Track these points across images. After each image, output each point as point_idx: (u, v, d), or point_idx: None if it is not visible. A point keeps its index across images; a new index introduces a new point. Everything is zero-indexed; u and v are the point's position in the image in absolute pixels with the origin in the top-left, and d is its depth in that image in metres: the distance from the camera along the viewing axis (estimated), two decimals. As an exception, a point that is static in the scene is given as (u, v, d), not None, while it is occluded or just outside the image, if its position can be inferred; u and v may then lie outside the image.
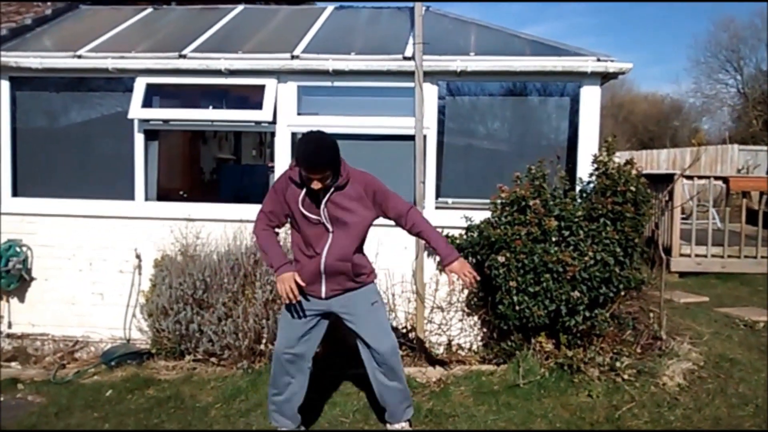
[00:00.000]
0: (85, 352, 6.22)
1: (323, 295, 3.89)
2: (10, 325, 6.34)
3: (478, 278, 3.92)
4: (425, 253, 5.79)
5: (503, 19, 59.71)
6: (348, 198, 3.79)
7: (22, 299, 6.35)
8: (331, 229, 3.79)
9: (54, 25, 7.15)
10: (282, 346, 3.98)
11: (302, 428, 4.19)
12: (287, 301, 3.77)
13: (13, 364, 6.01)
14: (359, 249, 3.96)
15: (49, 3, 7.41)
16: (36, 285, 6.33)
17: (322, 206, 3.75)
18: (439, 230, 5.62)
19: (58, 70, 6.19)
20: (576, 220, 5.02)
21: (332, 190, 3.73)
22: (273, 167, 6.30)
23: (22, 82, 6.34)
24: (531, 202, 5.04)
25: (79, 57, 6.18)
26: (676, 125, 36.90)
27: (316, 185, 3.64)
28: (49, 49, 6.42)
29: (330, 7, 7.36)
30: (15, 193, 6.37)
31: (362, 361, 4.07)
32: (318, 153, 3.58)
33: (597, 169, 5.31)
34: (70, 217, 6.23)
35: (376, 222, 5.54)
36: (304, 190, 3.75)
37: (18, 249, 6.18)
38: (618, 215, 5.03)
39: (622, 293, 5.18)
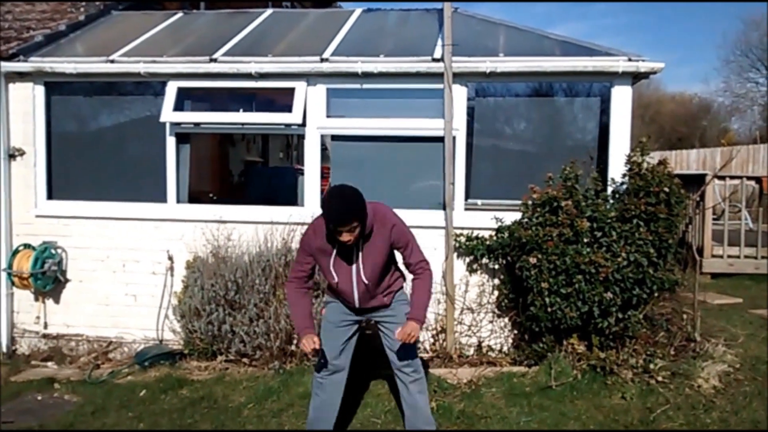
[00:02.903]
0: (119, 353, 6.30)
1: (357, 314, 4.04)
2: (46, 326, 6.44)
3: (414, 341, 3.84)
4: (455, 254, 5.78)
5: (528, 19, 59.35)
6: (375, 248, 3.79)
7: (57, 300, 6.45)
8: (363, 279, 3.82)
9: (87, 31, 7.26)
10: (326, 354, 4.01)
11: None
12: (309, 352, 3.78)
13: (49, 364, 6.12)
14: (391, 269, 4.02)
15: (82, 9, 7.51)
16: (71, 286, 6.42)
17: (354, 266, 3.80)
18: (469, 231, 5.67)
19: (92, 75, 6.29)
20: (609, 221, 4.99)
21: (360, 243, 3.75)
22: (302, 170, 6.34)
23: (57, 87, 6.45)
24: (563, 203, 5.01)
25: (112, 62, 6.27)
26: (705, 125, 36.38)
27: (345, 237, 3.61)
28: (82, 55, 6.52)
29: (358, 10, 7.38)
30: (50, 196, 6.48)
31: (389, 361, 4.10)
32: (345, 208, 3.55)
33: (630, 169, 5.27)
34: (103, 220, 6.32)
35: (406, 223, 5.58)
36: (335, 252, 3.77)
37: (53, 251, 6.28)
38: (651, 216, 4.98)
39: (656, 294, 5.12)
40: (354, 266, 3.80)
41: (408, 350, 3.95)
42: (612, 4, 55.10)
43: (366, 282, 3.81)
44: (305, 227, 5.58)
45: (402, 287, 4.12)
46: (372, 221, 3.73)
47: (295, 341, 5.34)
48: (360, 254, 3.77)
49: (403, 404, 4.10)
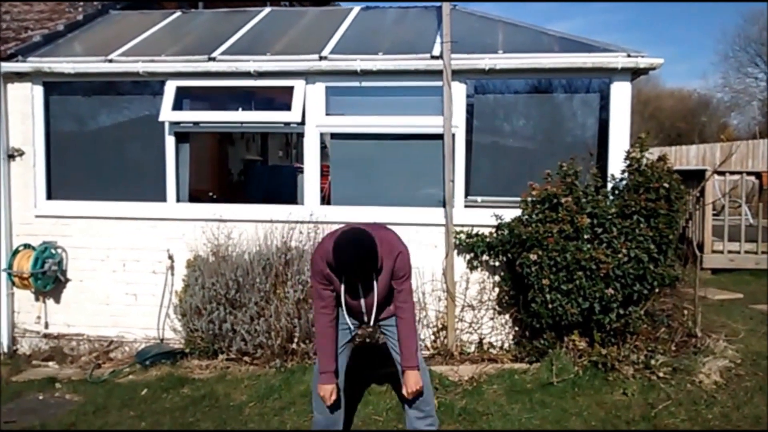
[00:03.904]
0: (120, 352, 6.30)
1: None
2: (46, 326, 6.44)
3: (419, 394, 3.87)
4: (455, 252, 5.78)
5: (526, 16, 59.20)
6: (382, 278, 3.74)
7: (57, 300, 6.45)
8: (372, 305, 3.81)
9: (85, 31, 7.25)
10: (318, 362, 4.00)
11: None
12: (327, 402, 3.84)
13: (50, 363, 6.13)
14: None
15: (80, 9, 7.50)
16: (71, 286, 6.42)
17: (362, 300, 3.80)
18: (469, 228, 5.67)
19: (90, 74, 6.28)
20: (609, 217, 4.99)
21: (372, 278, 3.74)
22: (301, 168, 6.34)
23: (55, 87, 6.45)
24: (563, 200, 5.01)
25: (111, 61, 6.27)
26: (704, 121, 36.36)
27: (355, 280, 3.67)
28: (81, 55, 6.52)
29: (356, 8, 7.37)
30: (49, 196, 6.47)
31: (392, 360, 4.09)
32: (358, 265, 3.49)
33: (630, 165, 5.26)
34: (103, 219, 6.32)
35: (407, 221, 5.61)
36: (343, 286, 3.74)
37: (53, 251, 6.28)
38: (651, 212, 4.98)
39: (657, 290, 5.13)
40: (362, 299, 3.80)
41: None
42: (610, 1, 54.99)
43: (375, 305, 3.80)
44: (305, 226, 5.60)
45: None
46: (382, 257, 3.63)
47: (296, 339, 5.34)
48: (370, 287, 3.75)
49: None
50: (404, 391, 3.84)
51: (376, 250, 3.51)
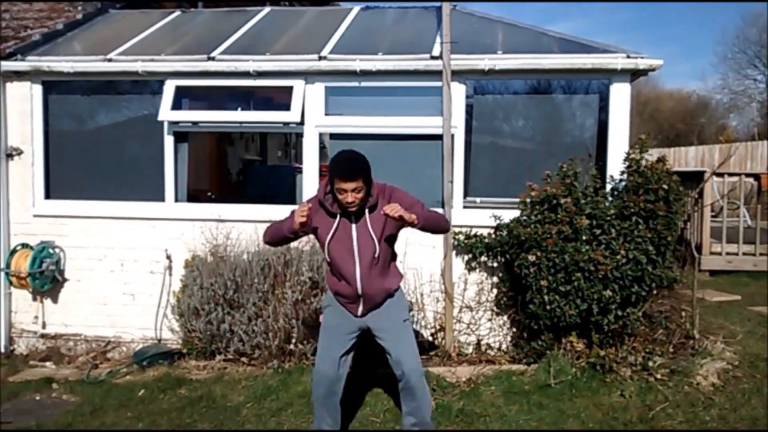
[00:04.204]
0: (117, 353, 6.29)
1: (359, 313, 3.90)
2: (44, 326, 6.43)
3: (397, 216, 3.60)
4: (453, 253, 5.78)
5: (526, 16, 59.28)
6: (378, 218, 3.73)
7: (55, 300, 6.44)
8: (361, 258, 3.76)
9: (84, 30, 7.24)
10: (325, 366, 3.95)
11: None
12: (301, 216, 3.60)
13: (47, 363, 6.11)
14: (392, 259, 3.98)
15: (80, 8, 7.49)
16: (69, 286, 6.42)
17: (354, 237, 3.74)
18: (467, 229, 5.67)
19: (89, 73, 6.27)
20: (608, 218, 4.99)
21: (365, 213, 3.72)
22: (300, 168, 6.33)
23: (54, 86, 6.44)
24: (562, 201, 5.01)
25: (110, 60, 6.26)
26: (703, 122, 36.40)
27: (349, 198, 3.58)
28: (80, 53, 6.51)
29: (356, 8, 7.37)
30: (47, 195, 6.46)
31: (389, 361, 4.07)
32: (351, 162, 3.58)
33: (629, 167, 5.27)
34: (101, 219, 6.31)
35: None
36: (336, 221, 3.73)
37: (51, 250, 6.27)
38: (650, 213, 4.98)
39: (655, 292, 5.13)
40: (355, 235, 3.73)
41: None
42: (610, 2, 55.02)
43: (368, 255, 3.74)
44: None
45: (400, 287, 4.06)
46: (377, 194, 3.74)
47: (294, 340, 5.33)
48: (363, 224, 3.73)
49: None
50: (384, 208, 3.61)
51: (368, 161, 3.65)
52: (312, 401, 4.13)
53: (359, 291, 3.81)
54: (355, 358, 4.10)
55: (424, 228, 3.83)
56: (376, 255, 3.76)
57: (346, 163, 3.58)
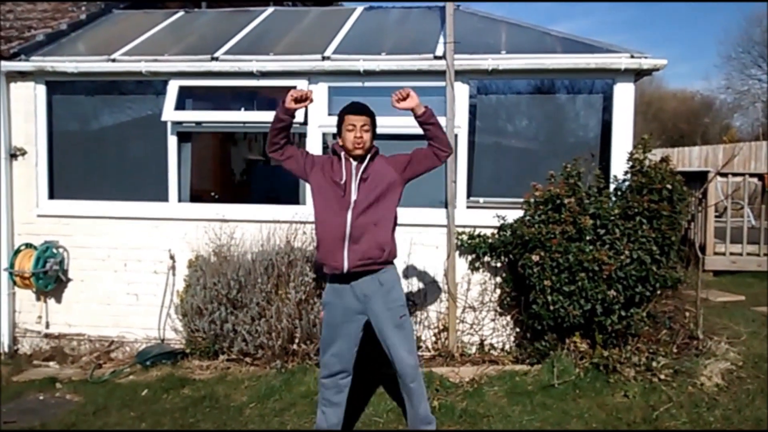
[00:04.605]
0: (121, 352, 6.30)
1: (345, 267, 3.78)
2: (47, 326, 6.44)
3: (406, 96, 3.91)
4: (457, 253, 5.77)
5: (530, 16, 59.28)
6: (378, 172, 3.87)
7: (59, 300, 6.45)
8: (358, 198, 3.81)
9: (88, 30, 7.26)
10: (331, 360, 3.98)
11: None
12: (293, 96, 3.83)
13: (51, 363, 6.12)
14: (392, 225, 3.97)
15: (83, 8, 7.51)
16: (72, 286, 6.42)
17: (354, 176, 3.83)
18: (471, 229, 5.67)
19: (93, 74, 6.29)
20: (612, 218, 4.97)
21: (366, 160, 3.84)
22: (304, 168, 6.31)
23: (58, 86, 6.45)
24: (566, 201, 5.00)
25: (113, 61, 6.27)
26: (707, 122, 36.30)
27: (358, 132, 3.77)
28: (83, 54, 6.52)
29: (359, 8, 7.37)
30: (51, 195, 6.48)
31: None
32: (360, 103, 3.91)
33: (633, 167, 5.26)
34: (105, 219, 6.32)
35: (408, 221, 5.57)
36: (339, 159, 3.88)
37: (55, 250, 6.28)
38: (654, 213, 4.97)
39: (659, 292, 5.12)
40: (355, 174, 3.83)
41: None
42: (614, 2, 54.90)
43: (365, 198, 3.79)
44: (308, 227, 5.60)
45: (394, 264, 4.01)
46: (377, 152, 3.94)
47: (297, 340, 5.33)
48: (365, 168, 3.84)
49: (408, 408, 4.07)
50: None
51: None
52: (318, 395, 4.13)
53: (348, 227, 3.77)
54: (358, 359, 4.10)
55: (427, 123, 3.94)
56: (376, 197, 3.81)
57: (356, 103, 3.90)
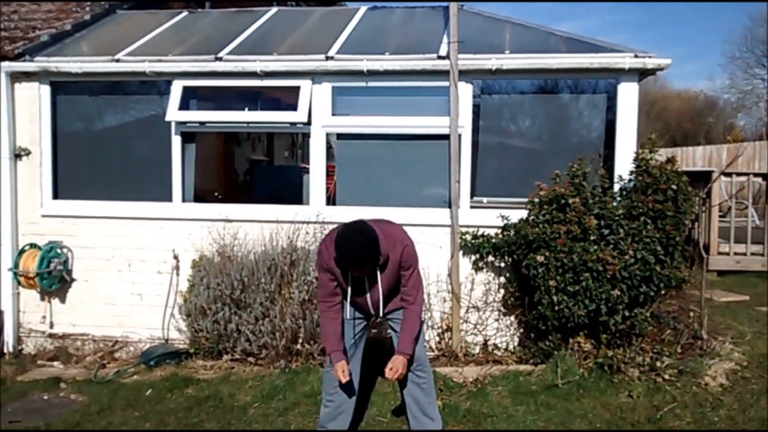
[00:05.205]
0: (125, 352, 6.31)
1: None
2: (51, 326, 6.45)
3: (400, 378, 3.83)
4: (461, 253, 5.77)
5: (533, 16, 59.16)
6: (388, 272, 3.73)
7: (63, 300, 6.46)
8: (378, 298, 3.80)
9: (92, 30, 7.26)
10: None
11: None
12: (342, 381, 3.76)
13: (55, 363, 6.14)
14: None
15: (87, 9, 7.52)
16: (76, 286, 6.43)
17: (368, 294, 3.78)
18: (475, 229, 5.66)
19: (97, 74, 6.29)
20: (616, 218, 4.97)
21: (377, 273, 3.71)
22: (307, 168, 6.33)
23: (62, 86, 6.46)
24: (571, 201, 4.99)
25: (117, 61, 6.28)
26: (711, 122, 36.20)
27: (357, 274, 3.63)
28: (87, 54, 6.52)
29: (363, 8, 7.36)
30: (56, 195, 6.48)
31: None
32: (357, 254, 3.45)
33: (638, 167, 5.25)
34: (109, 219, 6.33)
35: (412, 221, 5.59)
36: (349, 279, 3.74)
37: (59, 250, 6.29)
38: (659, 213, 4.96)
39: (663, 292, 5.11)
40: (368, 294, 3.78)
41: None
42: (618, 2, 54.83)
43: (380, 300, 3.79)
44: (311, 226, 5.60)
45: None
46: (386, 251, 3.61)
47: (300, 340, 5.34)
48: (374, 281, 3.74)
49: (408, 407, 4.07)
50: (386, 370, 3.74)
51: (377, 241, 3.50)
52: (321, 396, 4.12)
53: (372, 313, 3.93)
54: (362, 359, 4.10)
55: None
56: (386, 295, 3.81)
57: (351, 257, 3.47)
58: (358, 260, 3.48)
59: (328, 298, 3.81)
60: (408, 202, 5.88)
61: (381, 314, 3.90)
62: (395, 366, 3.73)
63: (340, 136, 6.16)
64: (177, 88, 6.13)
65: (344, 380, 3.73)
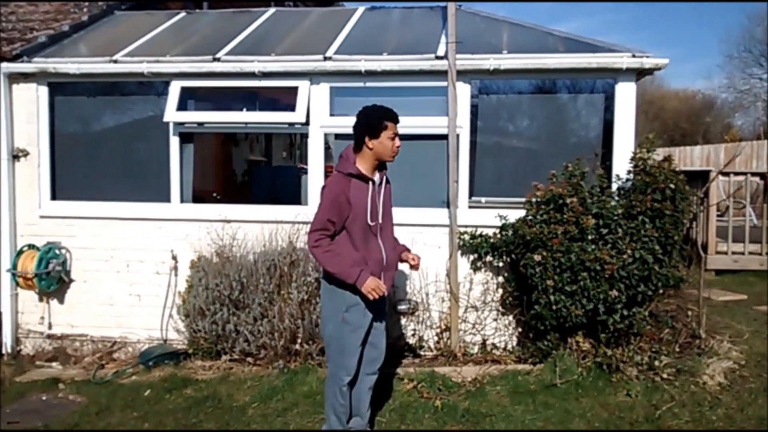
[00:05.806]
0: (123, 353, 6.31)
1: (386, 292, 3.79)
2: (50, 326, 6.45)
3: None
4: (459, 253, 5.77)
5: (532, 16, 59.33)
6: (388, 192, 3.92)
7: (61, 301, 6.46)
8: (384, 225, 3.85)
9: (90, 31, 7.26)
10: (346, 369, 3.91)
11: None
12: (378, 293, 3.62)
13: (54, 364, 6.14)
14: None
15: (85, 9, 7.52)
16: (75, 287, 6.43)
17: (380, 203, 3.81)
18: (473, 229, 5.67)
19: (95, 75, 6.29)
20: (614, 217, 4.97)
21: (383, 183, 3.85)
22: (305, 169, 6.34)
23: (60, 87, 6.46)
24: (568, 200, 4.99)
25: (115, 62, 6.28)
26: (709, 121, 36.26)
27: (398, 143, 3.73)
28: (85, 55, 6.53)
29: (361, 8, 7.37)
30: (54, 196, 6.48)
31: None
32: (394, 111, 3.75)
33: (636, 166, 5.26)
34: (107, 220, 6.33)
35: (410, 221, 5.59)
36: (369, 188, 3.74)
37: (57, 251, 6.29)
38: (657, 213, 4.97)
39: (661, 291, 5.11)
40: (380, 201, 3.81)
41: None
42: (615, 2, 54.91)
43: (388, 224, 3.88)
44: (310, 225, 5.59)
45: None
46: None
47: (299, 340, 5.34)
48: (382, 191, 3.84)
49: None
50: (410, 261, 3.99)
51: None
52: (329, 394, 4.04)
53: (384, 261, 3.85)
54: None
55: None
56: (392, 224, 3.91)
57: (389, 109, 3.73)
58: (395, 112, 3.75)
59: (327, 231, 3.68)
60: (406, 202, 5.85)
61: (391, 246, 3.89)
62: (413, 254, 3.99)
63: (338, 136, 6.15)
64: (175, 88, 6.14)
65: (383, 289, 3.65)
